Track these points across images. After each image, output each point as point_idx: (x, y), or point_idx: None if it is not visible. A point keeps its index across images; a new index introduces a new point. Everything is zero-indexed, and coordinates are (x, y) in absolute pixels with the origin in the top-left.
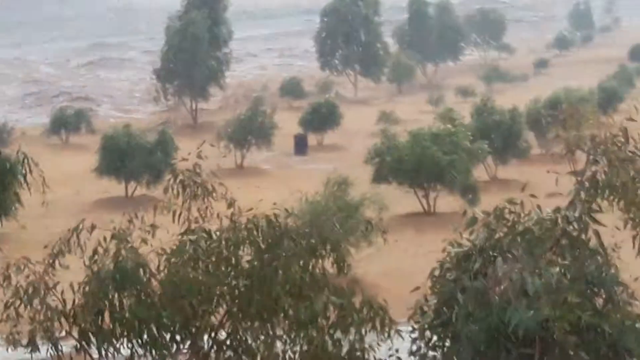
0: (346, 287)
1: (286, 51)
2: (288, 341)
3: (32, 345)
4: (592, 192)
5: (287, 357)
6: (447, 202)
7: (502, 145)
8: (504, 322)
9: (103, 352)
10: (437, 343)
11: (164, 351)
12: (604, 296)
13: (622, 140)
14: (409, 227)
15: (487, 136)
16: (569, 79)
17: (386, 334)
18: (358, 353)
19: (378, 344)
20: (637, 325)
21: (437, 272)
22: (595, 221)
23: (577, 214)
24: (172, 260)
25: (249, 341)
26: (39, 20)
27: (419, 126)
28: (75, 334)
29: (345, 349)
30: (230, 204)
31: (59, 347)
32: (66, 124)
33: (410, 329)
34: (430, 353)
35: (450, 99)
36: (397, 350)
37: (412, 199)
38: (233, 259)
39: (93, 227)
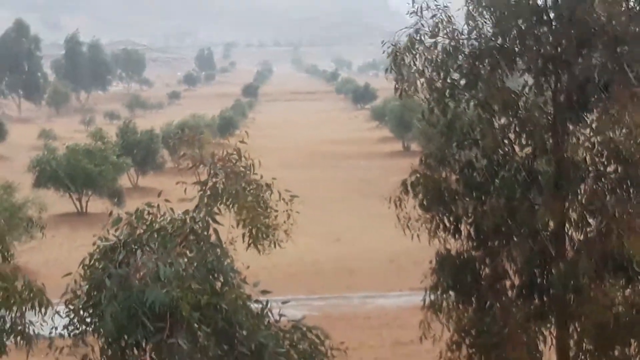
0: (10, 273)
1: None
2: None
3: None
4: (213, 198)
5: None
6: (97, 204)
7: (142, 159)
8: (142, 302)
9: None
10: (87, 320)
11: None
12: (222, 280)
13: (237, 157)
14: (65, 225)
15: (130, 152)
16: (197, 109)
17: (44, 312)
18: (20, 327)
19: (41, 324)
20: (247, 303)
21: (88, 262)
22: (215, 221)
23: (201, 215)
24: None
25: None
26: None
27: (75, 142)
28: None
29: (8, 324)
30: None
31: None
32: None
33: (66, 309)
34: (83, 327)
35: (100, 121)
36: (56, 328)
37: (68, 202)
38: None
39: None
